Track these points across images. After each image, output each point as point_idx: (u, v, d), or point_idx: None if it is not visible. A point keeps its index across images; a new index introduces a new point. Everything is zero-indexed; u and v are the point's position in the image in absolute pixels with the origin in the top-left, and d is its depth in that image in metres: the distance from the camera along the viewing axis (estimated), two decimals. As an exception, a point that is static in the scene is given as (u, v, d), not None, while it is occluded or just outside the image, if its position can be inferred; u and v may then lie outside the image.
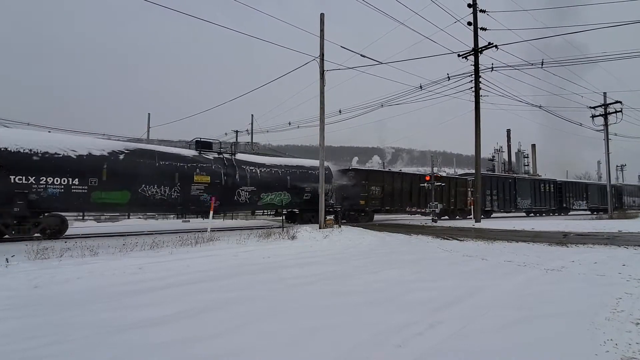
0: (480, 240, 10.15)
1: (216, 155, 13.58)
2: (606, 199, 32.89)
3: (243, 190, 13.69)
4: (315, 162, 16.03)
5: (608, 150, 24.53)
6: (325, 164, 14.77)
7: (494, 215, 26.21)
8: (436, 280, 5.06)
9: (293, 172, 15.62)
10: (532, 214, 30.09)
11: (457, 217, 23.71)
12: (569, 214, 32.80)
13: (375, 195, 19.29)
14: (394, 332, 3.00)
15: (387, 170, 22.95)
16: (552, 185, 30.45)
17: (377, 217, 21.45)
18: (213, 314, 3.55)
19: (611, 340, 2.77)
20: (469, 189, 23.41)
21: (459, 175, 27.32)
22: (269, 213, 21.42)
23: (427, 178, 20.21)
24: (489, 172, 29.69)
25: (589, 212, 34.90)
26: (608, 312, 3.47)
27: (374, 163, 41.94)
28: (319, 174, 13.14)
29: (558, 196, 30.85)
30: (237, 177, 13.47)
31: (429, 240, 10.42)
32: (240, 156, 14.55)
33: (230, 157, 13.96)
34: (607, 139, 24.41)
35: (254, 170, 14.18)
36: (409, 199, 20.89)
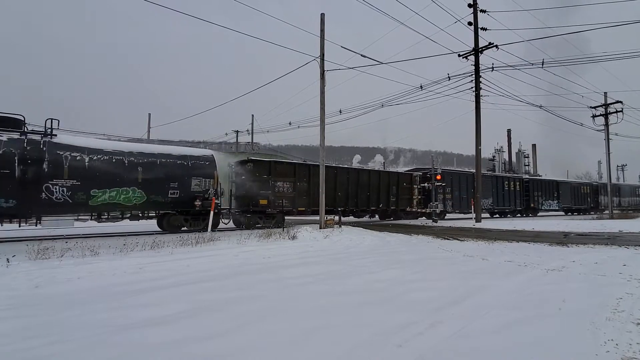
0: (480, 241, 10.15)
1: (15, 136, 9.65)
2: (581, 198, 32.50)
3: (56, 184, 9.89)
4: (191, 151, 13.52)
5: (609, 150, 24.52)
6: (210, 152, 13.86)
7: (447, 216, 23.14)
8: (437, 280, 5.06)
9: (149, 162, 11.62)
10: (496, 216, 26.94)
11: (399, 218, 21.01)
12: (538, 214, 29.71)
13: (284, 193, 15.31)
14: (395, 332, 3.00)
15: (302, 162, 17.93)
16: (517, 183, 27.21)
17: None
18: (213, 313, 3.55)
19: (612, 340, 2.77)
20: (416, 186, 20.42)
21: (405, 170, 23.46)
22: (117, 217, 12.23)
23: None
24: (454, 169, 25.30)
25: (563, 213, 32.58)
26: (609, 312, 3.47)
27: (377, 163, 41.99)
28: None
29: (525, 195, 27.70)
30: (45, 165, 9.71)
31: (429, 241, 10.41)
32: (62, 138, 10.46)
33: (40, 138, 9.90)
34: (607, 139, 24.40)
35: (78, 158, 10.25)
36: (346, 198, 17.34)
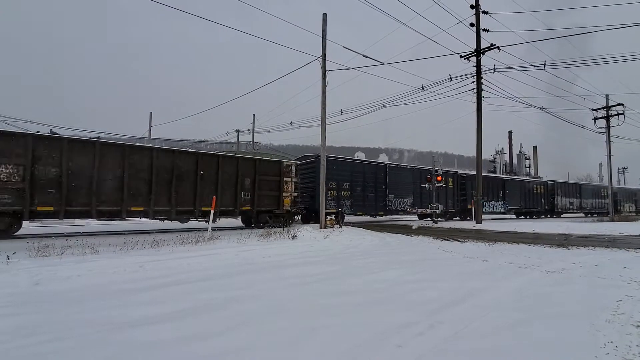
0: (481, 242, 10.14)
1: None
2: (533, 199, 28.46)
3: None
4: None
5: (610, 153, 24.48)
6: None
7: (347, 219, 18.71)
8: (437, 281, 5.06)
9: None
10: (413, 219, 23.47)
11: (259, 223, 14.19)
12: (437, 217, 22.58)
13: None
14: (395, 332, 3.00)
15: (51, 133, 11.71)
16: (451, 180, 22.80)
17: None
18: (213, 312, 3.55)
19: (611, 342, 2.76)
20: (291, 180, 14.93)
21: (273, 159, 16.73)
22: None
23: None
24: (339, 156, 18.52)
25: (514, 216, 29.18)
26: (608, 314, 3.47)
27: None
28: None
29: (460, 194, 23.40)
30: None
31: (429, 241, 10.41)
32: None
33: None
34: (609, 142, 24.36)
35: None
36: (147, 191, 11.20)
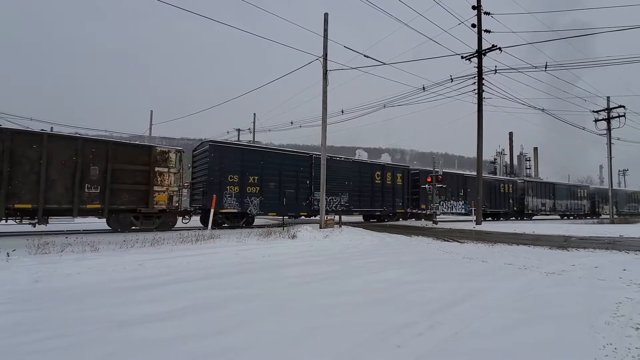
0: (480, 243, 10.14)
1: None
2: (501, 199, 26.26)
3: None
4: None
5: (610, 155, 24.44)
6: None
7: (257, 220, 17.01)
8: (436, 281, 5.06)
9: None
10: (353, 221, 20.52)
11: (132, 225, 11.62)
12: (436, 218, 20.69)
13: None
14: (394, 332, 3.00)
15: None
16: (399, 175, 19.94)
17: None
18: (213, 311, 3.56)
19: (610, 344, 2.76)
20: (169, 171, 11.91)
21: (140, 143, 12.86)
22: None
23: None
24: (244, 144, 16.92)
25: (472, 218, 25.61)
26: (608, 316, 3.46)
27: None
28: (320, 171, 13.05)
29: (412, 192, 21.12)
30: None
31: (429, 242, 10.41)
32: None
33: None
34: (609, 144, 24.33)
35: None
36: None
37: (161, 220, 12.16)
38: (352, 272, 5.76)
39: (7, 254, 5.87)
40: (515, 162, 60.30)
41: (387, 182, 19.58)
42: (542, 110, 22.10)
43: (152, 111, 32.44)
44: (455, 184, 23.77)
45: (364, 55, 13.91)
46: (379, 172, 19.15)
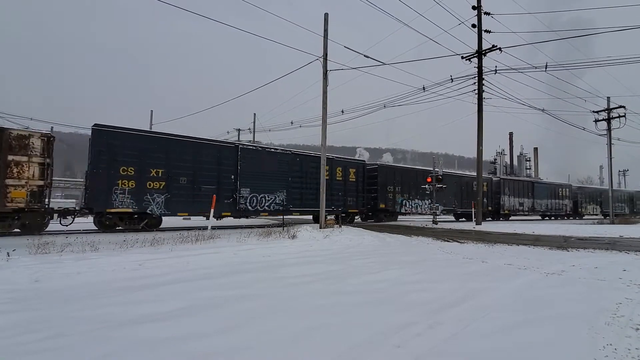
0: (480, 243, 10.13)
1: None
2: (471, 199, 23.50)
3: None
4: None
5: (610, 155, 24.45)
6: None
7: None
8: (436, 281, 5.06)
9: None
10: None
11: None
12: (397, 220, 21.08)
13: None
14: (393, 333, 3.00)
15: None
16: (352, 171, 17.76)
17: None
18: (213, 311, 3.56)
19: (610, 345, 2.76)
20: (28, 159, 9.77)
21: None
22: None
23: None
24: (139, 129, 12.20)
25: (454, 219, 25.32)
26: (608, 317, 3.46)
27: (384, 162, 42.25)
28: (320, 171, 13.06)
29: (369, 190, 19.17)
30: None
31: (429, 242, 10.40)
32: None
33: None
34: (609, 144, 24.33)
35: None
36: None
37: (20, 222, 9.92)
38: (352, 272, 5.76)
39: (7, 253, 5.87)
40: (515, 162, 60.28)
41: (337, 178, 17.21)
42: (542, 110, 22.11)
43: (152, 111, 32.49)
44: (421, 182, 21.00)
45: (364, 56, 13.92)
46: (327, 167, 15.44)
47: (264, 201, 14.70)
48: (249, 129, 37.04)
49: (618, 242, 10.70)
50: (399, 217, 22.00)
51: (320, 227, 12.18)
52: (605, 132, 24.45)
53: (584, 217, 34.39)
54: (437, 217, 19.99)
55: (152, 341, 2.76)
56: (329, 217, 13.39)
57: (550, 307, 3.83)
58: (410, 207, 21.01)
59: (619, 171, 66.85)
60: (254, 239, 9.31)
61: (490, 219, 26.33)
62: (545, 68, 17.90)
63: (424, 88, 18.38)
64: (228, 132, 38.83)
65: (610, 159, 24.60)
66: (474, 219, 18.89)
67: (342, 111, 20.40)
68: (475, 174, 22.69)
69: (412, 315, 3.46)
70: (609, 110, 24.28)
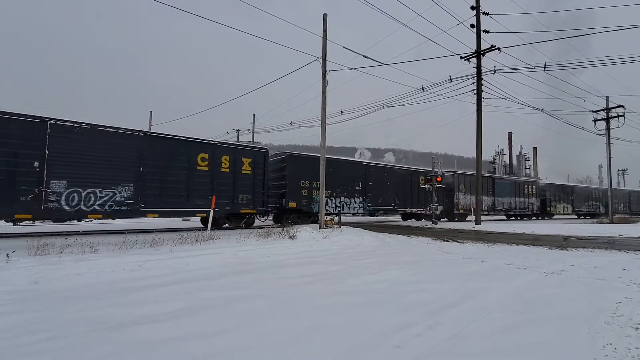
0: (480, 243, 10.14)
1: None
2: (415, 197, 20.66)
3: None
4: None
5: (610, 155, 24.48)
6: None
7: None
8: (436, 282, 5.06)
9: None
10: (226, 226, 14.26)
11: None
12: (436, 218, 19.31)
13: None
14: (393, 333, 3.00)
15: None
16: (247, 161, 13.94)
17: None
18: (212, 312, 3.55)
19: (610, 344, 2.76)
20: None
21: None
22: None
23: None
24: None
25: (401, 219, 23.12)
26: (607, 316, 3.47)
27: (386, 162, 42.13)
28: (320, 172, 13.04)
29: (274, 186, 15.82)
30: None
31: (428, 242, 10.41)
32: None
33: None
34: (609, 143, 24.36)
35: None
36: None
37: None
38: (352, 272, 5.76)
39: (7, 255, 5.86)
40: (514, 162, 60.36)
41: (223, 169, 13.26)
42: (541, 110, 22.13)
43: (151, 112, 32.46)
44: (351, 177, 17.67)
45: (363, 56, 13.93)
46: (204, 155, 12.75)
47: (92, 199, 10.57)
48: (248, 129, 37.06)
49: (617, 241, 10.71)
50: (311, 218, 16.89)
51: (320, 228, 12.18)
52: (604, 132, 24.49)
53: (553, 217, 31.92)
54: (436, 216, 19.98)
55: (152, 342, 2.76)
56: (328, 218, 13.39)
57: (550, 306, 3.83)
58: (333, 205, 16.85)
59: (618, 170, 66.97)
60: (253, 240, 9.31)
61: (445, 219, 23.61)
62: (544, 68, 17.92)
63: (423, 88, 18.39)
64: (227, 133, 38.86)
65: (610, 158, 24.62)
66: (432, 220, 18.45)
67: (342, 112, 20.41)
68: (425, 168, 20.89)
69: (412, 316, 3.46)
70: (607, 109, 24.31)
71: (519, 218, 29.30)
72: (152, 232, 11.68)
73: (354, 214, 18.04)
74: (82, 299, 3.99)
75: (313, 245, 9.17)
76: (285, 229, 11.27)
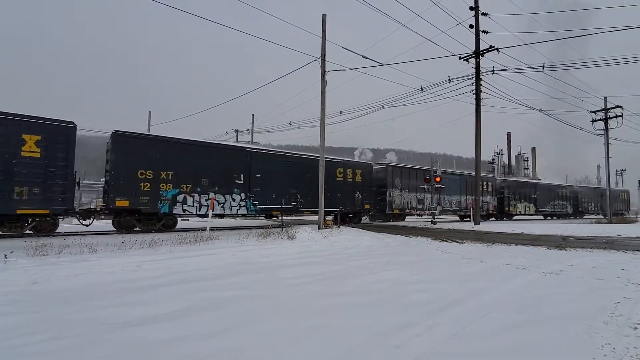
0: (479, 243, 10.15)
1: None
2: (342, 193, 16.97)
3: None
4: None
5: (608, 155, 24.54)
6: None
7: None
8: (435, 282, 5.06)
9: None
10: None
11: None
12: (435, 218, 18.45)
13: None
14: (393, 333, 3.00)
15: None
16: (41, 137, 10.01)
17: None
18: (211, 312, 3.55)
19: (609, 344, 2.77)
20: None
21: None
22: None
23: None
24: None
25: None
26: (606, 316, 3.47)
27: (387, 161, 41.99)
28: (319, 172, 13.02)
29: (125, 176, 11.73)
30: None
31: (428, 242, 10.42)
32: None
33: None
34: (607, 144, 24.43)
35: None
36: None
37: None
38: (351, 272, 5.76)
39: (5, 255, 5.84)
40: (513, 162, 60.50)
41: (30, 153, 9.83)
42: (540, 110, 22.20)
43: (150, 112, 32.40)
44: (229, 166, 13.81)
45: (362, 56, 13.95)
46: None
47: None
48: (247, 129, 37.04)
49: (616, 241, 10.74)
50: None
51: (319, 228, 12.18)
52: (602, 132, 24.55)
53: (513, 218, 28.87)
54: (435, 217, 20.01)
55: (151, 343, 2.76)
56: (327, 218, 13.38)
57: (549, 306, 3.84)
58: (195, 204, 12.92)
59: (617, 171, 67.10)
60: (252, 240, 9.30)
61: (380, 220, 20.38)
62: (543, 68, 17.97)
63: (422, 89, 18.42)
64: (226, 133, 38.84)
65: (608, 158, 24.68)
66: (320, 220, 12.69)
67: (341, 112, 20.41)
68: (345, 159, 18.19)
69: (411, 316, 3.46)
70: (606, 110, 24.37)
71: (467, 220, 24.90)
72: (151, 232, 11.66)
73: (234, 215, 14.21)
74: (80, 300, 3.97)
75: (312, 245, 9.17)
76: (284, 229, 11.27)
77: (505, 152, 59.89)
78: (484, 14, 18.06)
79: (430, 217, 20.27)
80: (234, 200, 13.99)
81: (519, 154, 62.51)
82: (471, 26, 18.02)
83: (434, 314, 3.54)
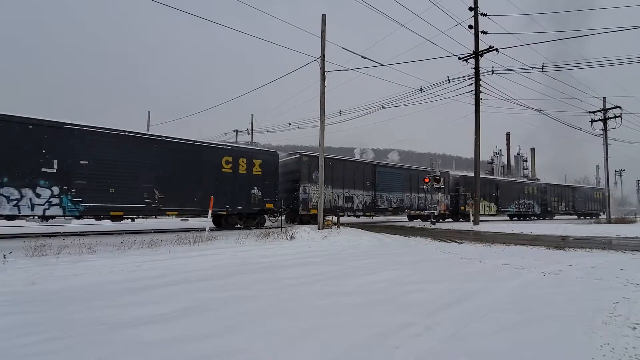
0: (478, 243, 10.16)
1: None
2: (241, 192, 13.05)
3: None
4: None
5: (607, 155, 24.57)
6: None
7: None
8: (434, 282, 5.06)
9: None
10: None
11: None
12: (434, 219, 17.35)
13: None
14: (392, 333, 3.00)
15: None
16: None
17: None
18: (211, 312, 3.55)
19: (608, 344, 2.77)
20: None
21: None
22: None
23: None
24: None
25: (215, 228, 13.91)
26: (605, 316, 3.48)
27: (389, 161, 41.84)
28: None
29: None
30: None
31: (427, 243, 10.42)
32: None
33: None
34: (606, 144, 24.46)
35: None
36: None
37: None
38: (351, 272, 5.76)
39: (4, 255, 5.83)
40: (512, 162, 60.55)
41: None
42: (539, 110, 22.23)
43: (149, 112, 32.40)
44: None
45: (362, 57, 13.95)
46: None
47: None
48: (247, 129, 37.03)
49: (614, 241, 10.76)
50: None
51: (319, 228, 12.18)
52: (601, 133, 24.58)
53: (469, 219, 23.72)
54: (434, 218, 20.01)
55: (150, 343, 2.75)
56: (327, 218, 13.39)
57: (548, 306, 3.84)
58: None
59: (616, 171, 67.24)
60: (252, 240, 9.30)
61: (298, 222, 16.47)
62: (542, 69, 17.99)
63: (421, 89, 18.43)
64: (226, 133, 38.83)
65: (607, 159, 24.72)
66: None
67: (340, 112, 20.41)
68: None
69: (411, 316, 3.46)
70: (604, 110, 24.40)
71: (417, 219, 22.76)
72: (151, 232, 11.65)
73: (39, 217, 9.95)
74: (79, 300, 3.97)
75: (312, 245, 9.17)
76: (283, 229, 11.26)
77: (504, 152, 59.96)
78: (483, 15, 18.09)
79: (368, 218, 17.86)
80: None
81: (518, 154, 62.55)
82: (470, 27, 18.04)
83: (434, 314, 3.54)
